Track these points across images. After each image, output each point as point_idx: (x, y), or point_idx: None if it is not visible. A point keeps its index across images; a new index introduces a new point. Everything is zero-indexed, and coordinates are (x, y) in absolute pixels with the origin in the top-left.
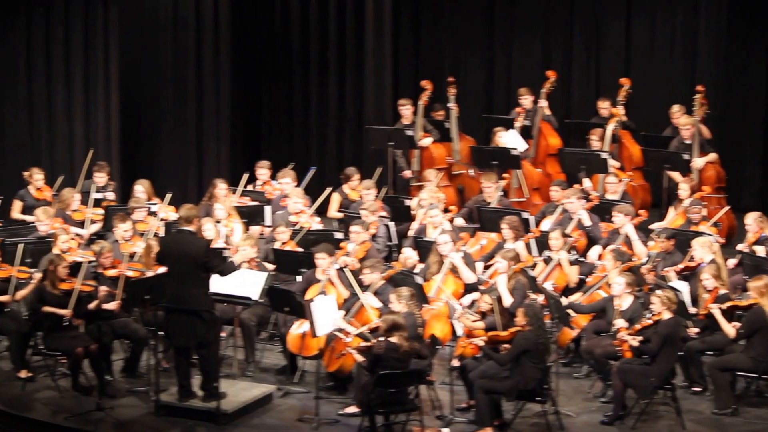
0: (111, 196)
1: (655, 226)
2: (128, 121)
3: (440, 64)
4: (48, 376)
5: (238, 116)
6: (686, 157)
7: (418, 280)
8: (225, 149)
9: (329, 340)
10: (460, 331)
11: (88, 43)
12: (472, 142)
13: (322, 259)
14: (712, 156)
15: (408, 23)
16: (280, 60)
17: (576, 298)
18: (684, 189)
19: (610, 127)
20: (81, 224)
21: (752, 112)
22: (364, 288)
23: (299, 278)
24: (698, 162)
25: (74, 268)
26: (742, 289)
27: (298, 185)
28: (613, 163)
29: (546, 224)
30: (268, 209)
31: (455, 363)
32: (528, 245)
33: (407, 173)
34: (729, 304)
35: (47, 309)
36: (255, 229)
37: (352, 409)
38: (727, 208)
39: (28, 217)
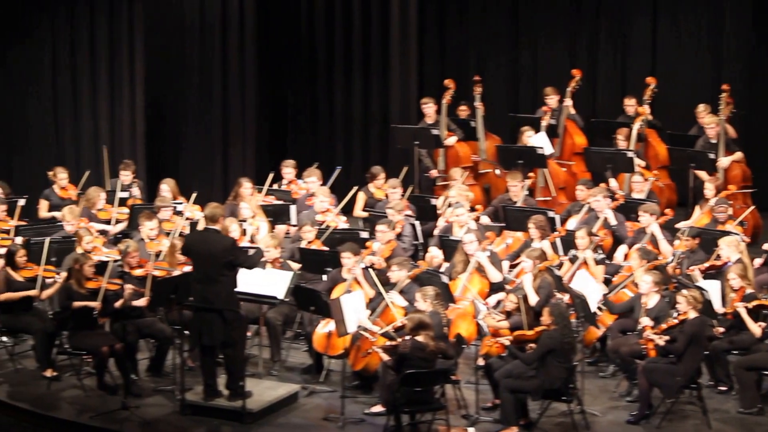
0: (137, 193)
1: (681, 225)
2: (153, 120)
3: (465, 63)
4: (73, 375)
5: (263, 115)
6: (712, 156)
7: (444, 279)
8: (250, 148)
9: (355, 339)
10: (486, 331)
11: (113, 41)
12: (498, 141)
13: (347, 258)
14: (738, 155)
15: (433, 22)
16: (305, 58)
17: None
18: (710, 188)
19: (636, 126)
20: (107, 223)
21: None
22: (391, 286)
23: (325, 277)
24: (724, 161)
25: (100, 267)
26: None
27: (323, 184)
28: (638, 162)
29: (572, 223)
30: (293, 208)
31: (481, 362)
32: (554, 244)
33: (433, 172)
34: (755, 303)
35: (78, 304)
36: (281, 228)
37: (378, 409)
38: (752, 207)
39: (57, 214)
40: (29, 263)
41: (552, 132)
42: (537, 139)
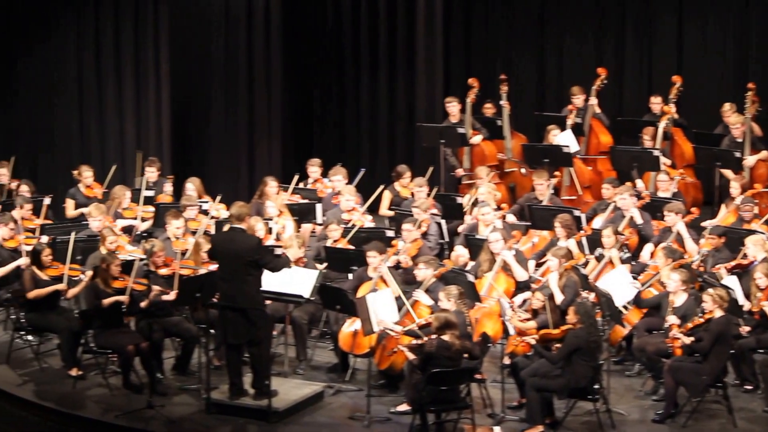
0: (168, 189)
1: (707, 223)
2: (179, 118)
3: (491, 62)
4: (99, 373)
5: (289, 114)
6: (738, 154)
7: (470, 278)
8: (276, 147)
9: (380, 338)
10: (511, 330)
11: (139, 39)
12: (524, 140)
13: (373, 257)
14: (764, 153)
15: (459, 20)
16: (331, 58)
17: None
18: (735, 187)
19: (662, 125)
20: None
21: None
22: (417, 284)
23: (350, 276)
24: (750, 160)
25: (126, 266)
26: None
27: (349, 183)
28: (664, 161)
29: (597, 222)
30: (319, 207)
31: (506, 361)
32: (579, 243)
33: (459, 171)
34: None
35: (107, 301)
36: (306, 227)
37: (404, 407)
38: None
39: (85, 210)
40: (54, 262)
41: (578, 131)
42: (563, 138)
